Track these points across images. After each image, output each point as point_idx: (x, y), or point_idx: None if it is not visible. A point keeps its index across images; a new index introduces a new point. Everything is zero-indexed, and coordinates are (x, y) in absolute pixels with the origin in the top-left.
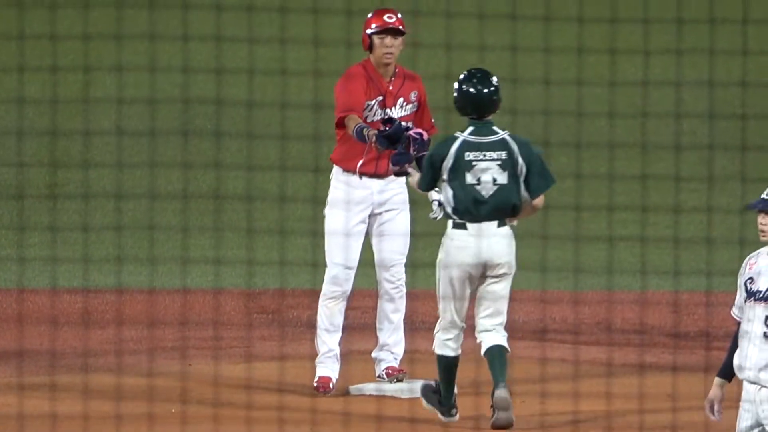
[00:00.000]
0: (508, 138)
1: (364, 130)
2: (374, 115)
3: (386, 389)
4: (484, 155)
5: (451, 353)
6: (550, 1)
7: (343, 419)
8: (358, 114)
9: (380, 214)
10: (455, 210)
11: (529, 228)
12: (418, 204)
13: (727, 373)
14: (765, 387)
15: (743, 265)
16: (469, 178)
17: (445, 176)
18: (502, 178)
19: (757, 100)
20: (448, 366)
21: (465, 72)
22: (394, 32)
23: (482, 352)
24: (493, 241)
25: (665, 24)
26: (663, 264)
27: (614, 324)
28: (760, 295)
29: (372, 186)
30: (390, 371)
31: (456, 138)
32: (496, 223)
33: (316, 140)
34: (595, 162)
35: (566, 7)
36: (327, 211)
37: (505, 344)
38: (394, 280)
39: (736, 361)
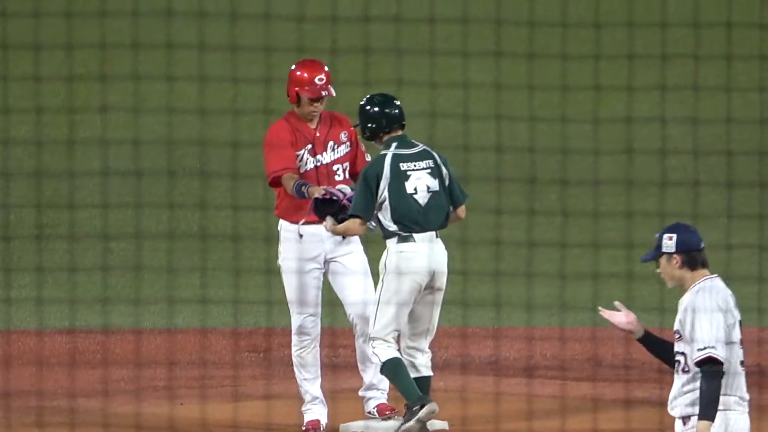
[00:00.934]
0: (428, 148)
1: (303, 187)
2: (306, 164)
3: (376, 427)
4: (415, 165)
5: (397, 354)
6: (535, 38)
7: None
8: (293, 171)
9: (334, 259)
10: (399, 224)
11: (516, 265)
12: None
13: (651, 338)
14: (676, 418)
15: None
16: (408, 188)
17: (385, 194)
18: (434, 185)
19: (744, 137)
20: (399, 365)
21: (365, 98)
22: (323, 98)
23: (413, 375)
24: (437, 251)
25: (650, 60)
26: (650, 300)
27: (603, 360)
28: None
29: (321, 233)
30: (380, 409)
31: (385, 154)
32: (435, 233)
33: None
34: (581, 199)
35: (551, 44)
36: (281, 263)
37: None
38: (365, 320)
39: None
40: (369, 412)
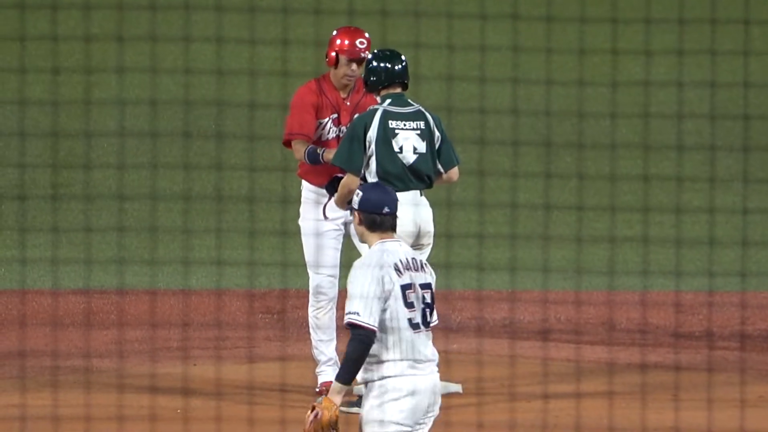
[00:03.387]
0: (423, 109)
1: (318, 150)
2: (328, 132)
3: None
4: (405, 124)
5: None
6: (552, 1)
7: (346, 419)
8: (306, 139)
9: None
10: (383, 181)
11: (532, 228)
12: None
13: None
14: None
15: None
16: (395, 146)
17: (372, 147)
18: (422, 147)
19: (761, 101)
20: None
21: (375, 51)
22: (362, 59)
23: None
24: (421, 209)
25: (668, 24)
26: (666, 264)
27: (618, 324)
28: None
29: None
30: None
31: (377, 108)
32: (419, 192)
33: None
34: (598, 162)
35: (568, 7)
36: (301, 222)
37: None
38: None
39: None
40: None
